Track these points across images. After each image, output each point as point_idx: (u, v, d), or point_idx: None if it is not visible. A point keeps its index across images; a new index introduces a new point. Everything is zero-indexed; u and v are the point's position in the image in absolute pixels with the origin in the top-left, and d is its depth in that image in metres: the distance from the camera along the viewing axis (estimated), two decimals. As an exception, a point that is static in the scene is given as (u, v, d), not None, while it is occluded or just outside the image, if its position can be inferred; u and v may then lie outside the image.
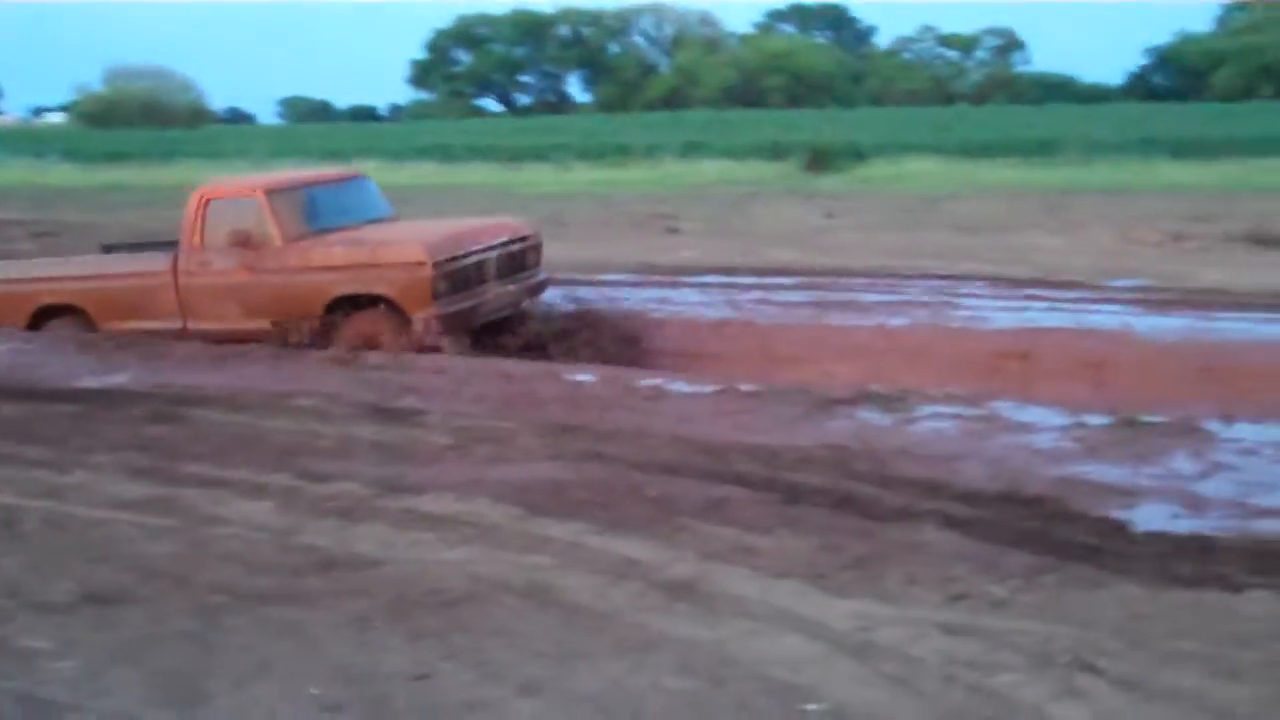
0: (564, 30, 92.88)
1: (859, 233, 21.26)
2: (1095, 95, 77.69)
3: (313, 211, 11.60)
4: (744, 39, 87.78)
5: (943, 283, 14.31)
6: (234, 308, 11.38)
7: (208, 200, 11.53)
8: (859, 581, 5.08)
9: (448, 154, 45.72)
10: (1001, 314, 12.11)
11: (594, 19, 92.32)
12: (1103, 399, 9.08)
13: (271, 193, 11.41)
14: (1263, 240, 19.50)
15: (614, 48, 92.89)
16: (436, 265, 10.66)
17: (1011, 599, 4.84)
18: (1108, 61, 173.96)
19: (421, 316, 10.70)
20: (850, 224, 22.92)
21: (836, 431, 7.59)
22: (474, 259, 11.13)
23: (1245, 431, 7.67)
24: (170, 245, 11.98)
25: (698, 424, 7.93)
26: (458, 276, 10.88)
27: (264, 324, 11.23)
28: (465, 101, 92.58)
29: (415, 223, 12.82)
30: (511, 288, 11.48)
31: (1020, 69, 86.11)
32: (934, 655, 4.37)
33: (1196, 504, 6.10)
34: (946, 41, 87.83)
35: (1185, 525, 5.77)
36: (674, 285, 14.65)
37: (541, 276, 12.19)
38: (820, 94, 77.78)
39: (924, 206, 26.11)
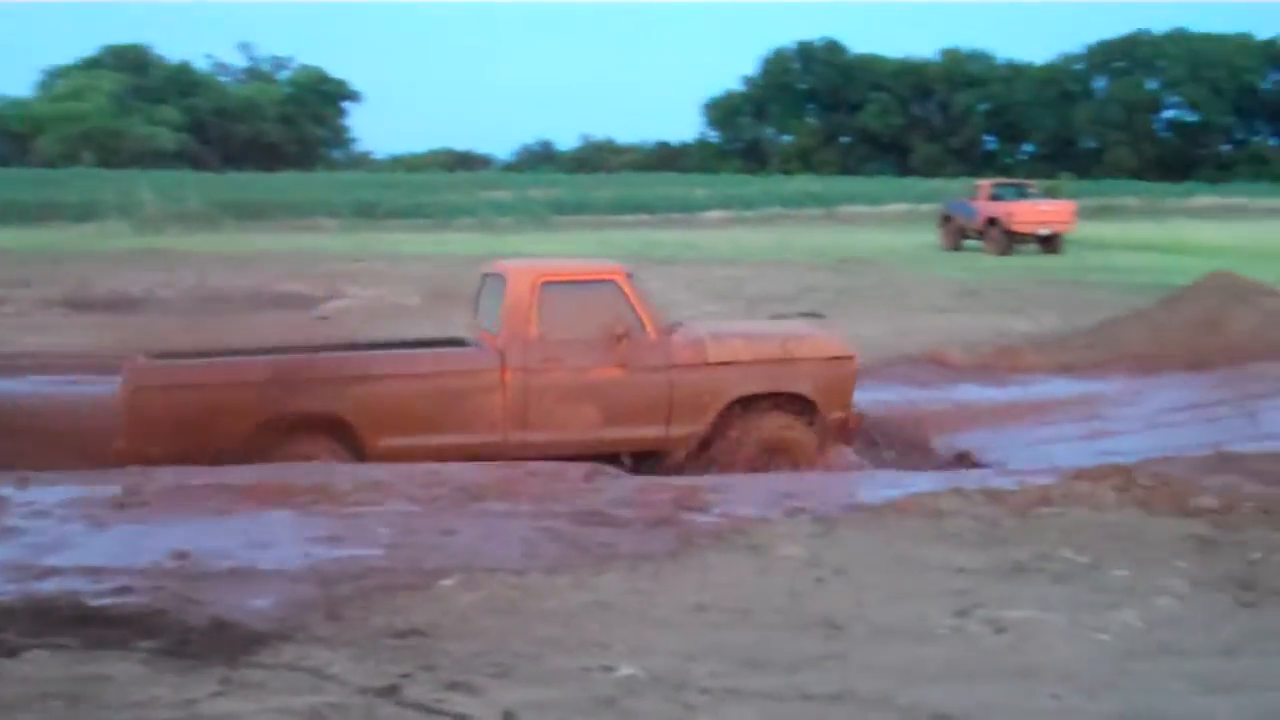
0: None
1: None
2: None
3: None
4: None
5: None
6: (594, 413, 9.40)
7: (543, 283, 9.50)
8: None
9: None
10: None
11: None
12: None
13: (630, 276, 9.78)
14: (80, 304, 19.85)
15: None
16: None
17: None
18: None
19: (840, 416, 9.86)
20: None
21: None
22: None
23: (38, 494, 7.66)
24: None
25: None
26: None
27: (629, 433, 9.50)
28: None
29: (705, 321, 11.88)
30: None
31: None
32: None
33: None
34: None
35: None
36: None
37: None
38: None
39: None
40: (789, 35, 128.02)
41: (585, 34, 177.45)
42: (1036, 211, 35.50)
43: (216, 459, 8.52)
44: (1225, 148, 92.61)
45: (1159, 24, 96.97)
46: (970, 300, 22.12)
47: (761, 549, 6.46)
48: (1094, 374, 11.25)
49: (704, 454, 9.65)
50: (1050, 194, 40.58)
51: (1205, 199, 65.81)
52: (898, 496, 7.41)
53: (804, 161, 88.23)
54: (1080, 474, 7.64)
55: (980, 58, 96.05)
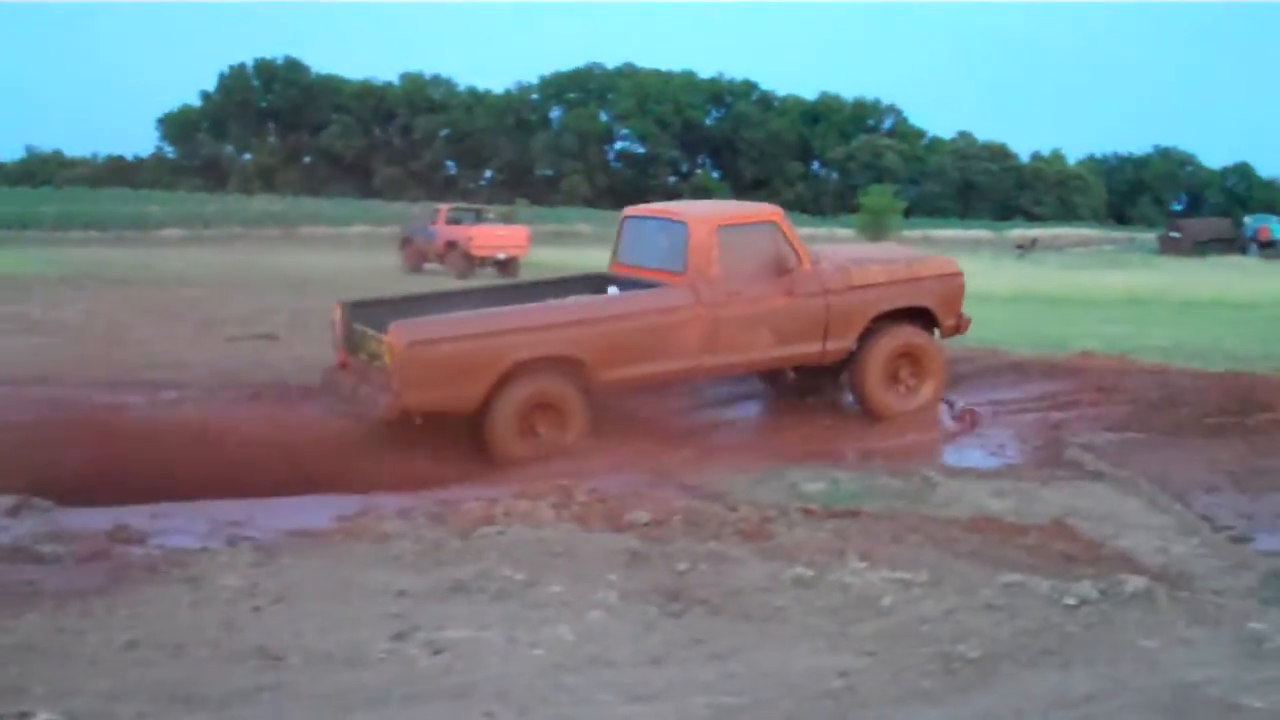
0: None
1: None
2: None
3: None
4: None
5: None
6: (768, 336, 11.05)
7: (718, 227, 11.01)
8: None
9: None
10: None
11: None
12: None
13: (783, 217, 11.44)
14: None
15: None
16: None
17: None
18: None
19: (953, 322, 11.93)
20: None
21: None
22: None
23: None
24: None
25: None
26: None
27: (794, 350, 11.28)
28: None
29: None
30: None
31: None
32: None
33: None
34: None
35: None
36: None
37: None
38: None
39: None
40: (248, 51, 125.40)
41: (30, 37, 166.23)
42: (493, 236, 36.40)
43: (467, 401, 9.86)
44: (672, 179, 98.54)
45: (610, 58, 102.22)
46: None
47: (198, 581, 6.24)
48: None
49: (849, 362, 11.53)
50: (506, 219, 41.74)
51: (651, 227, 69.48)
52: (343, 521, 7.37)
53: (265, 181, 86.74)
54: (521, 492, 7.86)
55: (441, 83, 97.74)
